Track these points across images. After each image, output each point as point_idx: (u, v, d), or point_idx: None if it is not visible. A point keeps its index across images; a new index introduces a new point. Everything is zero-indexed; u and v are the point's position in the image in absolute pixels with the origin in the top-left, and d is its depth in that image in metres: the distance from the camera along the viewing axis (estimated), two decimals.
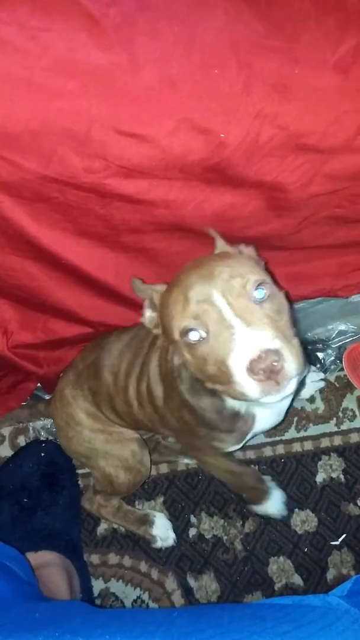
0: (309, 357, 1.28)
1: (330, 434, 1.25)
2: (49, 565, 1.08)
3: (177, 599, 1.18)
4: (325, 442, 1.25)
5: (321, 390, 1.28)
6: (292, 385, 0.68)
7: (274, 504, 1.17)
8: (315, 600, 0.64)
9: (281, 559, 1.18)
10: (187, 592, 1.18)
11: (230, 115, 0.69)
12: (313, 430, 1.26)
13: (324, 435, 1.25)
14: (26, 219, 0.79)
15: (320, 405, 1.28)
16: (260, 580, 1.17)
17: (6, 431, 1.30)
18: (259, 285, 0.71)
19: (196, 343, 0.71)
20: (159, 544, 1.19)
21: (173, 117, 0.68)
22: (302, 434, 1.25)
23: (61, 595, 1.04)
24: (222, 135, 0.70)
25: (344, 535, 1.18)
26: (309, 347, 1.29)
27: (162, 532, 1.19)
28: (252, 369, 0.65)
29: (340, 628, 0.57)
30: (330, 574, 1.17)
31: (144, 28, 0.66)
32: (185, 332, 0.71)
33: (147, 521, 1.19)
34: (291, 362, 0.66)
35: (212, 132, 0.70)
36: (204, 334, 0.70)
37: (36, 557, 1.07)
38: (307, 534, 1.19)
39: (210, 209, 0.80)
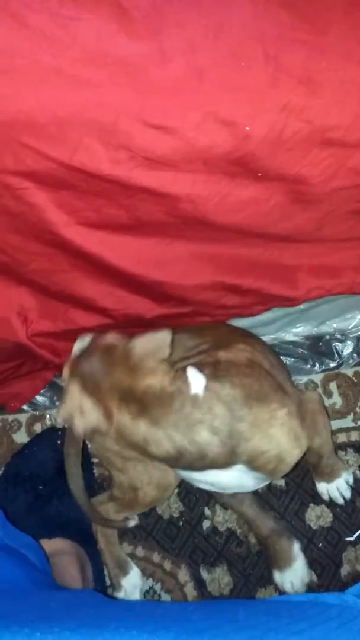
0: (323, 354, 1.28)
1: (347, 430, 1.25)
2: (62, 553, 1.09)
3: (190, 590, 1.18)
4: (341, 438, 1.24)
5: (339, 385, 1.27)
6: None
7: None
8: (331, 598, 0.64)
9: None
10: (200, 584, 1.18)
11: (256, 108, 0.68)
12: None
13: (340, 430, 1.25)
14: (50, 206, 0.79)
15: (337, 400, 1.27)
16: None
17: (23, 417, 1.31)
18: None
19: None
20: (121, 594, 1.15)
21: (199, 109, 0.68)
22: None
23: (74, 584, 1.05)
24: (247, 128, 0.69)
25: (359, 532, 1.18)
26: (327, 338, 1.28)
27: (130, 588, 1.15)
28: None
29: (357, 627, 0.57)
30: (345, 570, 1.17)
31: (172, 19, 0.65)
32: None
33: (123, 569, 1.16)
34: None
35: (237, 125, 0.69)
36: None
37: (50, 545, 1.08)
38: (321, 529, 1.19)
39: (233, 204, 0.80)
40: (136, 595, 1.16)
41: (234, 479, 0.91)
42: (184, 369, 0.86)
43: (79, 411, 0.82)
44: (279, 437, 0.87)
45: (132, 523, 1.13)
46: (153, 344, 0.85)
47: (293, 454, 0.89)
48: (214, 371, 0.86)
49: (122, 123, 0.68)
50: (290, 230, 0.86)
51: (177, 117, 0.68)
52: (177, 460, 0.84)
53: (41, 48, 0.65)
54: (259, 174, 0.75)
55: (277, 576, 1.14)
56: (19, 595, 0.72)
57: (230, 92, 0.66)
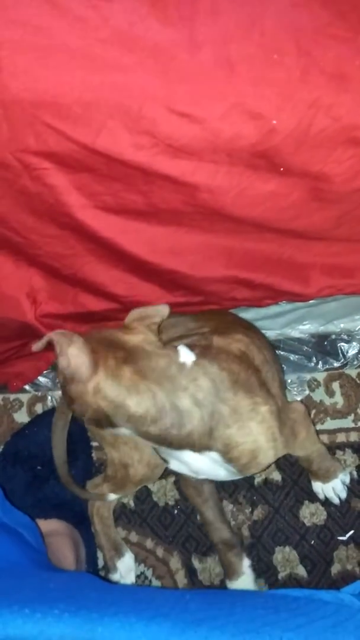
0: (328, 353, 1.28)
1: (346, 430, 1.25)
2: (57, 534, 1.09)
3: (181, 578, 1.19)
4: (341, 437, 1.25)
5: (342, 385, 1.27)
6: None
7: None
8: (327, 596, 0.65)
9: (287, 549, 1.19)
10: (191, 572, 1.19)
11: (285, 103, 0.68)
12: (330, 424, 1.26)
13: (340, 430, 1.25)
14: (68, 187, 0.78)
15: (339, 399, 1.27)
16: (265, 568, 1.18)
17: (24, 397, 1.31)
18: None
19: None
20: (116, 576, 1.16)
21: (227, 99, 0.67)
22: (319, 427, 1.25)
23: (67, 565, 1.05)
24: (274, 121, 0.69)
25: (352, 532, 1.19)
26: (332, 337, 1.28)
27: (125, 570, 1.17)
28: None
29: (353, 626, 0.57)
30: (335, 569, 1.17)
31: (205, 6, 0.65)
32: None
33: (119, 551, 1.17)
34: None
35: (264, 118, 0.69)
36: None
37: (45, 525, 1.09)
38: (315, 526, 1.20)
39: (252, 197, 0.80)
40: (131, 578, 1.17)
41: (207, 466, 0.90)
42: (175, 346, 0.86)
43: (69, 343, 0.79)
44: (257, 432, 0.86)
45: (110, 497, 1.14)
46: (147, 312, 0.88)
47: (267, 454, 0.88)
48: (203, 351, 0.86)
49: (147, 108, 0.68)
50: (307, 227, 0.85)
51: (204, 106, 0.67)
52: (155, 423, 0.81)
53: (71, 28, 0.65)
54: (282, 169, 0.74)
55: (228, 584, 1.15)
56: (18, 574, 0.72)
57: (260, 85, 0.66)
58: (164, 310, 0.89)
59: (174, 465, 0.95)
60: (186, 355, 0.84)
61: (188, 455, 0.87)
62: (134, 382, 0.79)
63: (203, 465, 0.90)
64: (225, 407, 0.83)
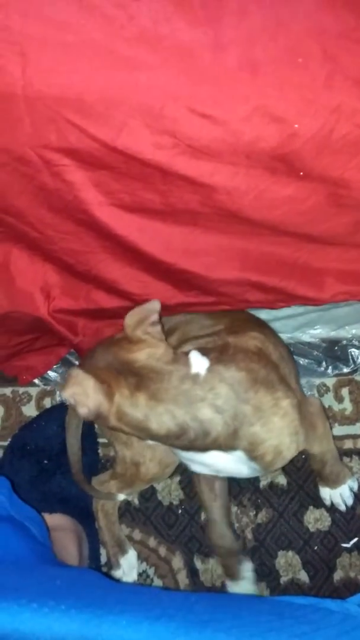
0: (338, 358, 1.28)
1: (354, 437, 1.25)
2: (62, 529, 1.10)
3: (182, 578, 1.19)
4: (348, 444, 1.24)
5: (351, 392, 1.27)
6: None
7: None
8: (333, 605, 0.64)
9: (290, 553, 1.19)
10: (193, 573, 1.19)
11: (307, 107, 0.68)
12: (337, 430, 1.25)
13: (347, 436, 1.25)
14: (87, 185, 0.78)
15: (348, 406, 1.27)
16: (267, 571, 1.18)
17: (33, 391, 1.32)
18: None
19: None
20: (119, 573, 1.17)
21: (249, 102, 0.67)
22: None
23: (71, 560, 1.06)
24: (296, 125, 0.69)
25: (356, 539, 1.18)
26: (343, 343, 1.28)
27: (128, 567, 1.17)
28: None
29: (359, 636, 0.57)
30: (338, 575, 1.17)
31: (232, 7, 0.65)
32: None
33: (122, 548, 1.18)
34: None
35: (286, 122, 0.68)
36: None
37: (50, 519, 1.09)
38: (319, 532, 1.20)
39: (270, 201, 0.79)
40: (133, 575, 1.17)
41: (232, 464, 0.91)
42: (186, 353, 0.86)
43: (82, 393, 0.81)
44: (281, 426, 0.87)
45: (119, 497, 1.14)
46: (141, 313, 0.88)
47: (290, 448, 0.89)
48: (219, 355, 0.86)
49: (169, 108, 0.68)
50: (324, 233, 0.85)
51: (226, 107, 0.67)
52: (179, 438, 0.83)
53: (96, 25, 0.65)
54: (301, 173, 0.74)
55: (228, 585, 1.15)
56: (24, 568, 0.73)
57: (283, 88, 0.65)
58: (155, 305, 0.90)
59: (195, 467, 0.96)
60: (199, 364, 0.84)
61: (213, 456, 0.88)
62: (150, 407, 0.81)
63: (227, 463, 0.90)
64: (247, 406, 0.84)
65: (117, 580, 1.13)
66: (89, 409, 0.81)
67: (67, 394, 0.81)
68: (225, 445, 0.85)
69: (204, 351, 0.87)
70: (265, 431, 0.85)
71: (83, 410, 0.81)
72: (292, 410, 0.88)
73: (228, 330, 0.97)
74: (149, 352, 0.84)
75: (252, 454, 0.87)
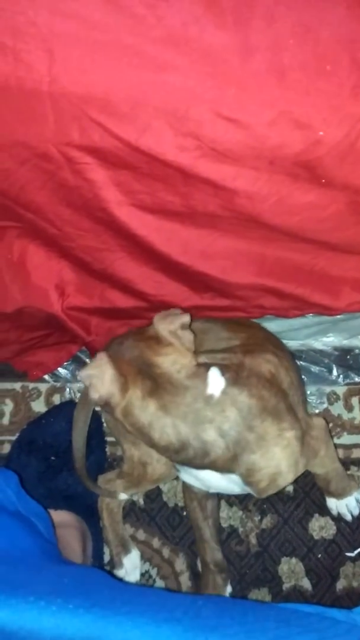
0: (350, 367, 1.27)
1: None
2: (66, 526, 1.10)
3: (185, 580, 1.19)
4: (356, 453, 1.24)
5: None
6: None
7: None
8: (340, 615, 0.64)
9: (293, 560, 1.19)
10: (196, 576, 1.19)
11: (333, 115, 0.67)
12: (346, 439, 1.25)
13: (356, 446, 1.24)
14: (107, 183, 0.78)
15: (357, 415, 1.26)
16: (270, 577, 1.18)
17: (43, 387, 1.32)
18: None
19: None
20: (122, 572, 1.17)
21: (275, 107, 0.67)
22: (335, 440, 1.24)
23: (75, 558, 1.06)
24: (320, 133, 0.68)
25: None
26: (356, 352, 1.27)
27: (131, 567, 1.17)
28: None
29: None
30: (340, 584, 1.17)
31: (261, 12, 0.64)
32: None
33: (125, 547, 1.18)
34: None
35: (311, 128, 0.68)
36: None
37: (55, 516, 1.09)
38: (323, 540, 1.19)
39: (290, 207, 0.79)
40: (136, 575, 1.17)
41: (224, 483, 0.91)
42: (207, 367, 0.86)
43: (99, 378, 0.82)
44: (281, 457, 0.86)
45: (122, 496, 1.14)
46: (171, 314, 0.89)
47: (287, 478, 0.89)
48: (235, 376, 0.86)
49: (194, 111, 0.68)
50: (343, 240, 0.85)
51: (252, 112, 0.67)
52: (177, 453, 0.84)
53: (125, 25, 0.65)
54: (323, 180, 0.74)
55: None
56: (31, 564, 0.73)
57: (310, 94, 0.65)
58: (185, 316, 0.90)
59: (185, 478, 0.96)
60: (215, 384, 0.84)
61: (207, 473, 0.87)
62: (158, 417, 0.81)
63: (220, 482, 0.90)
64: (252, 435, 0.83)
65: (121, 580, 1.13)
66: (100, 395, 0.82)
67: (85, 375, 0.82)
68: (223, 467, 0.85)
69: (223, 368, 0.87)
70: (264, 460, 0.85)
71: (94, 395, 0.82)
72: (295, 442, 0.88)
73: (244, 348, 0.97)
74: (174, 359, 0.84)
75: (248, 479, 0.87)
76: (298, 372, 1.08)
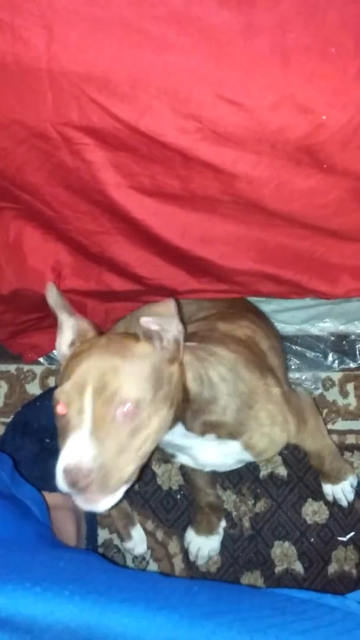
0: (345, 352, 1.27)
1: (357, 432, 1.24)
2: (61, 508, 1.10)
3: (178, 562, 1.20)
4: (350, 439, 1.24)
5: (356, 387, 1.26)
6: (103, 504, 0.67)
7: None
8: (334, 601, 0.64)
9: (286, 544, 1.19)
10: (189, 558, 1.19)
11: (337, 99, 0.66)
12: (340, 425, 1.25)
13: (350, 432, 1.24)
14: (106, 165, 0.77)
15: (352, 401, 1.26)
16: (262, 560, 1.19)
17: (38, 369, 1.31)
18: (126, 404, 0.69)
19: (59, 413, 0.72)
20: (130, 544, 1.19)
21: (278, 90, 0.66)
22: (329, 426, 1.24)
23: (69, 540, 1.06)
24: (324, 117, 0.67)
25: (352, 533, 1.18)
26: (352, 338, 1.27)
27: (139, 539, 1.20)
28: (61, 475, 0.69)
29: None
30: (332, 568, 1.17)
31: None
32: (56, 400, 0.71)
33: (131, 519, 1.20)
34: (102, 487, 0.66)
35: (314, 112, 0.67)
36: (63, 412, 0.71)
37: (50, 498, 1.09)
38: (316, 524, 1.20)
39: (291, 192, 0.78)
40: (144, 547, 1.20)
41: (217, 458, 0.91)
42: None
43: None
44: (275, 414, 0.87)
45: None
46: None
47: (282, 437, 0.90)
48: (204, 339, 0.86)
49: (196, 92, 0.66)
50: (343, 227, 0.84)
51: (254, 95, 0.66)
52: (195, 400, 0.79)
53: (126, 2, 0.63)
54: (325, 166, 0.73)
55: (189, 535, 1.19)
56: (26, 548, 0.73)
57: (314, 78, 0.64)
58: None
59: (181, 459, 0.95)
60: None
61: (201, 450, 0.87)
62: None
63: (211, 456, 0.90)
64: (243, 385, 0.83)
65: (116, 564, 1.13)
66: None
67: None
68: (228, 433, 0.84)
69: (193, 335, 0.87)
70: (263, 416, 0.86)
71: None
72: (281, 399, 0.88)
73: (220, 315, 0.97)
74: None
75: (248, 442, 0.87)
76: (280, 341, 1.09)
